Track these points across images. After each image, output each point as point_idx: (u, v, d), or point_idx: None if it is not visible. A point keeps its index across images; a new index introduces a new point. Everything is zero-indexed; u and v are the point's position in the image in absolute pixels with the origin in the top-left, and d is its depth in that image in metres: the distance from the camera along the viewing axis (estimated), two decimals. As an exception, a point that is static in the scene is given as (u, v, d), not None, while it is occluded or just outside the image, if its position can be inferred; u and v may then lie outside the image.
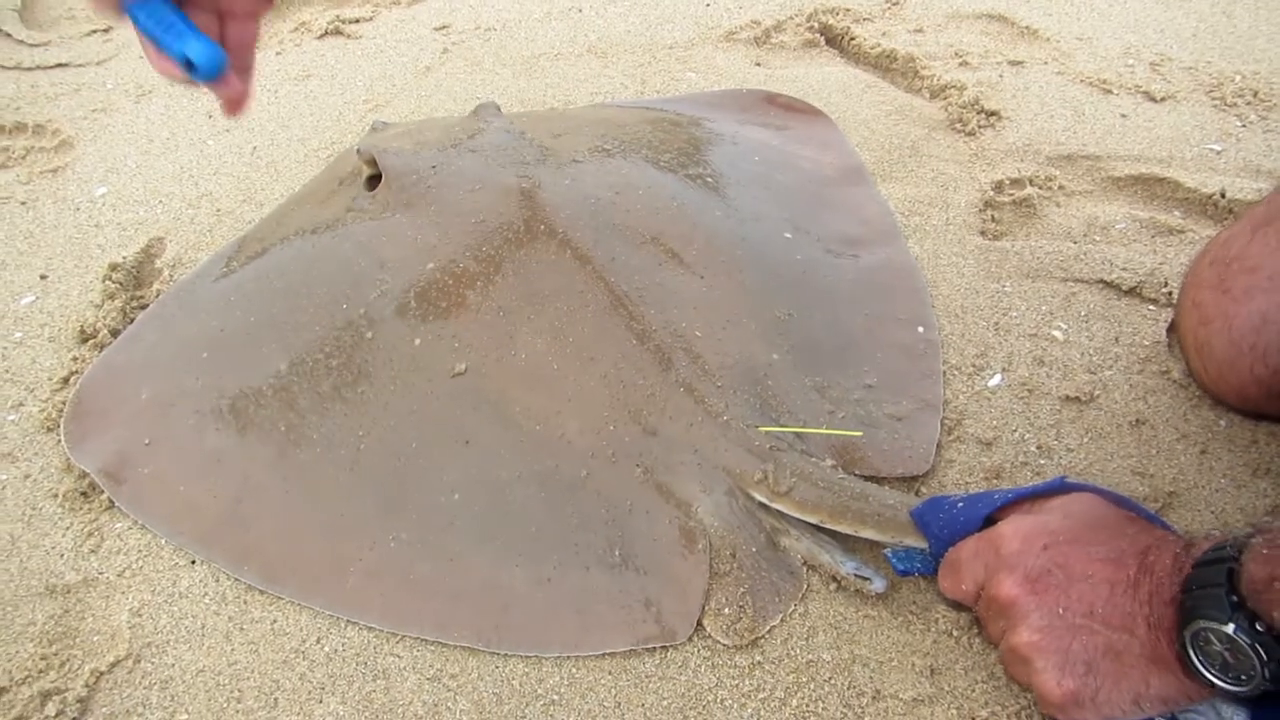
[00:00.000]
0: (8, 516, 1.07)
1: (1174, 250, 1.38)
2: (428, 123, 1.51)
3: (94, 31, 2.18)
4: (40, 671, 0.93)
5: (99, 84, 1.94)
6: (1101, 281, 1.33)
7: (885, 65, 1.90)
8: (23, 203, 1.58)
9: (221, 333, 1.17)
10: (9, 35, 2.11)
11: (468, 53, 2.01)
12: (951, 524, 0.90)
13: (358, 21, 2.16)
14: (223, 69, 0.89)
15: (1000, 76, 1.82)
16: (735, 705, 0.89)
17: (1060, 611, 0.79)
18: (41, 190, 1.60)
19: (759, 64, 1.93)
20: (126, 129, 1.80)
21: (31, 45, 2.10)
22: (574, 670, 0.91)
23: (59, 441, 1.13)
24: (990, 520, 0.89)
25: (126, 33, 2.14)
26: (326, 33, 2.11)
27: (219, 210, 1.54)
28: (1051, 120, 1.68)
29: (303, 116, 1.79)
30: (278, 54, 2.05)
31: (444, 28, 2.12)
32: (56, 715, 0.88)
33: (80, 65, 2.02)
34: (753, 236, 1.28)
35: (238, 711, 0.89)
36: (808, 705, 0.89)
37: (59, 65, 2.02)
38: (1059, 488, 0.87)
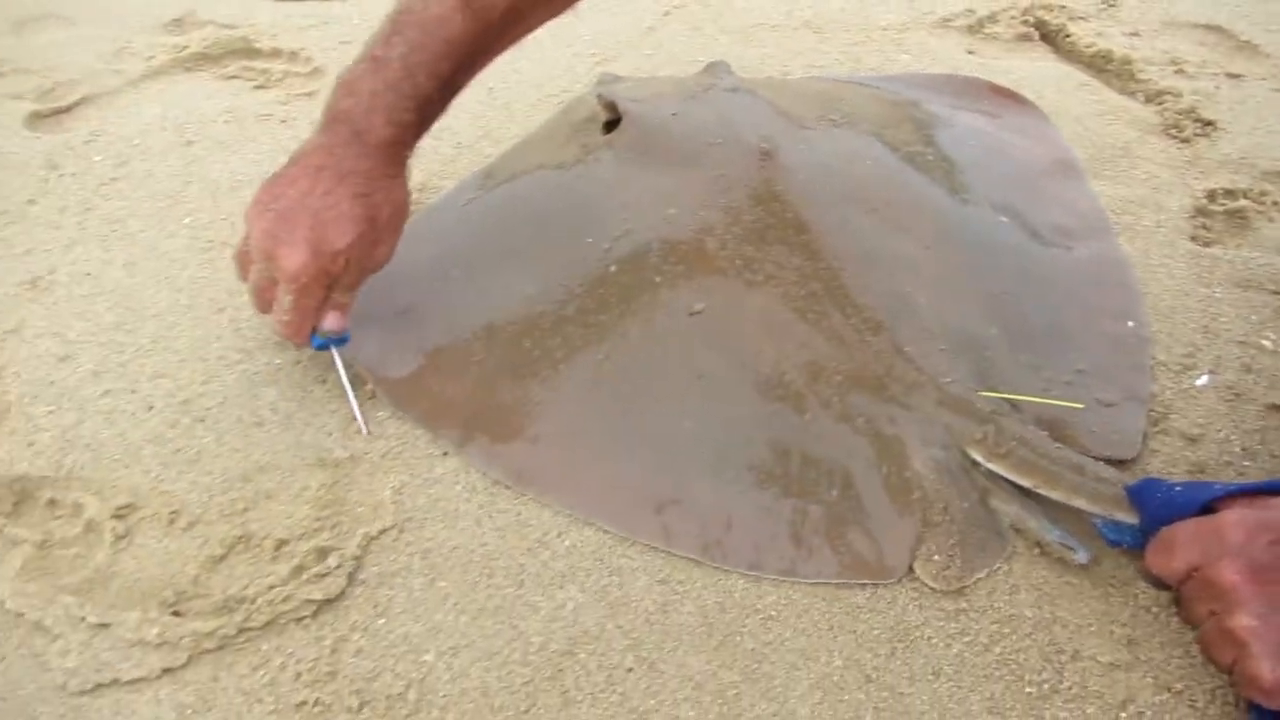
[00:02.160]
0: (283, 396, 1.20)
1: (1395, 279, 1.37)
2: (658, 79, 1.59)
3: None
4: (316, 530, 1.04)
5: (346, 18, 2.08)
6: (1316, 299, 1.34)
7: (1100, 65, 1.90)
8: (283, 121, 1.72)
9: (470, 253, 1.28)
10: (261, -32, 2.27)
11: (688, 17, 2.09)
12: (1169, 504, 0.93)
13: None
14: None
15: (1217, 88, 1.81)
16: (941, 644, 0.95)
17: None
18: (299, 111, 1.75)
19: (972, 52, 1.95)
20: (371, 62, 1.93)
21: (283, -22, 2.25)
22: (790, 592, 0.99)
23: (327, 336, 1.25)
24: (1207, 508, 0.92)
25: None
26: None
27: (459, 144, 1.66)
28: (1269, 136, 1.67)
29: (534, 63, 1.89)
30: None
31: (666, -9, 2.19)
32: (337, 567, 1.00)
33: (329, 0, 2.17)
34: (971, 216, 1.32)
35: (489, 586, 0.99)
36: (1009, 654, 0.94)
37: (309, -1, 2.17)
38: None
